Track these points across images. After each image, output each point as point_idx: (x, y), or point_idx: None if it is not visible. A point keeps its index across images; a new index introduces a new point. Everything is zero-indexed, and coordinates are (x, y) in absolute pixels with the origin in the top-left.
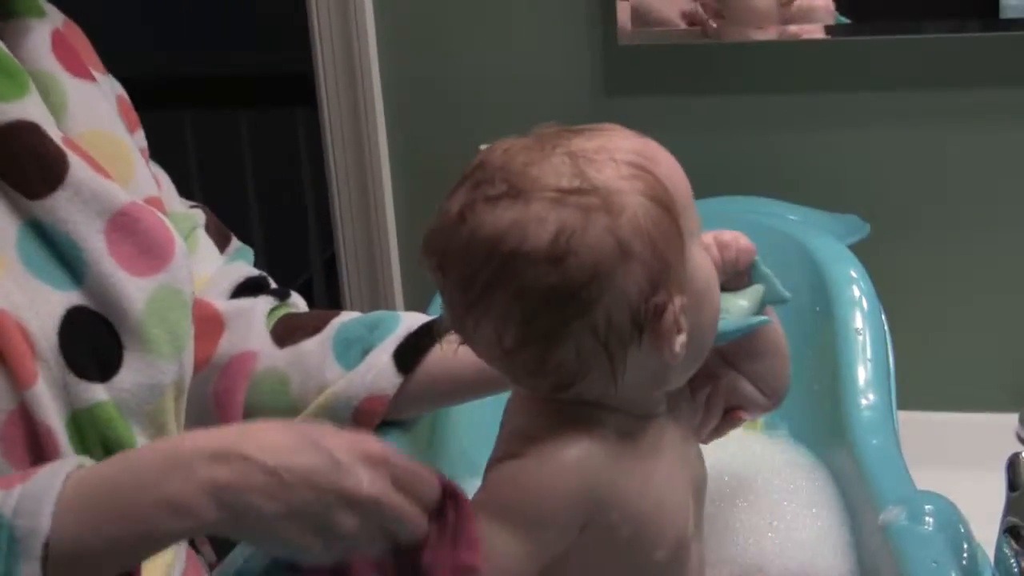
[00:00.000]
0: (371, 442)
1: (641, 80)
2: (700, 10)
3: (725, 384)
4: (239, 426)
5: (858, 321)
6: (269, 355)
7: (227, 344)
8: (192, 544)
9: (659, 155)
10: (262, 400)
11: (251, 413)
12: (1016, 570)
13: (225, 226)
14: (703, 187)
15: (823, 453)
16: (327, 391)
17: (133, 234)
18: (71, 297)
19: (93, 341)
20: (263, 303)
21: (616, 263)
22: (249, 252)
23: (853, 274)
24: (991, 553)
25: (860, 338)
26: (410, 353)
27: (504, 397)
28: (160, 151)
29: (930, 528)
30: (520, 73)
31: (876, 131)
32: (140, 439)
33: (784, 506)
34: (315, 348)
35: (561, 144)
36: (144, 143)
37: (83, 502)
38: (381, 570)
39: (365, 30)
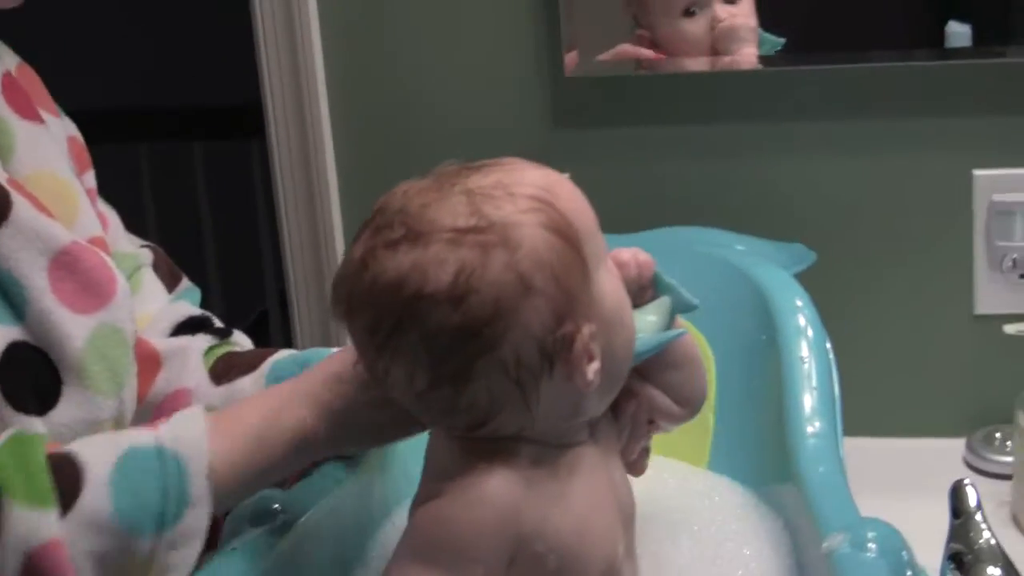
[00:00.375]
0: None
1: (588, 112)
2: (638, 42)
3: (637, 395)
4: None
5: (803, 349)
6: (205, 393)
7: (163, 382)
8: None
9: (559, 186)
10: None
11: None
12: None
13: (177, 267)
14: (650, 218)
15: (768, 481)
16: None
17: (75, 272)
18: (12, 332)
19: (32, 375)
20: (201, 341)
21: (519, 298)
22: (196, 292)
23: (798, 303)
24: None
25: (805, 366)
26: None
27: None
28: (114, 184)
29: (873, 554)
30: (470, 104)
31: (820, 160)
32: None
33: (729, 532)
34: (249, 386)
35: (459, 182)
36: (93, 183)
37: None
38: None
39: (313, 61)
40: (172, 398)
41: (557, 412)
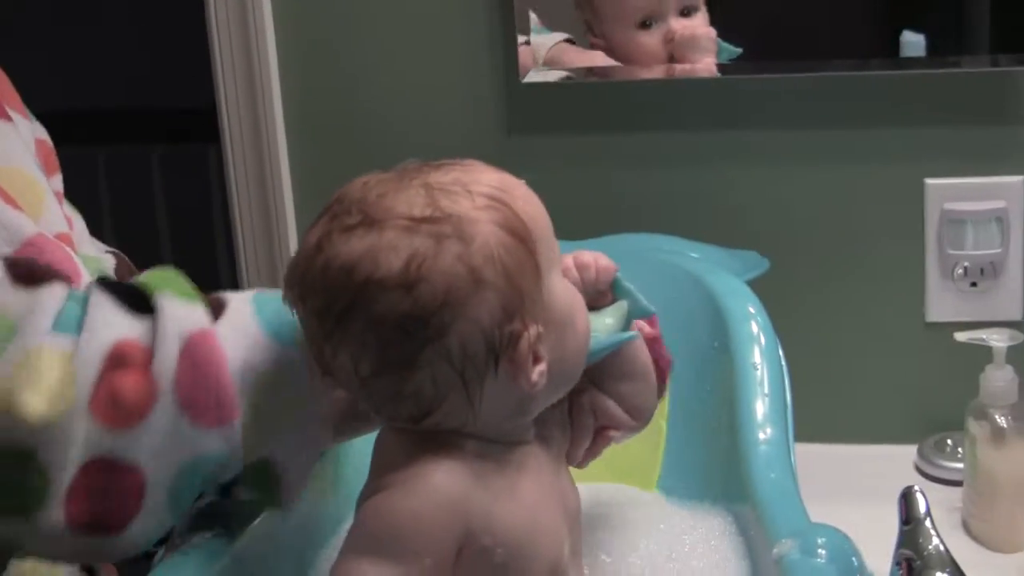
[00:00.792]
0: None
1: (543, 118)
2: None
3: (588, 401)
4: None
5: (756, 356)
6: None
7: None
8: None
9: (516, 188)
10: None
11: None
12: None
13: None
14: (604, 224)
15: (720, 488)
16: None
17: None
18: None
19: None
20: None
21: (468, 290)
22: None
23: (751, 309)
24: None
25: (757, 372)
26: None
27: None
28: (70, 186)
29: (823, 560)
30: (424, 109)
31: (774, 168)
32: None
33: (679, 540)
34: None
35: (419, 177)
36: (61, 187)
37: None
38: None
39: (268, 67)
40: None
41: (500, 409)
